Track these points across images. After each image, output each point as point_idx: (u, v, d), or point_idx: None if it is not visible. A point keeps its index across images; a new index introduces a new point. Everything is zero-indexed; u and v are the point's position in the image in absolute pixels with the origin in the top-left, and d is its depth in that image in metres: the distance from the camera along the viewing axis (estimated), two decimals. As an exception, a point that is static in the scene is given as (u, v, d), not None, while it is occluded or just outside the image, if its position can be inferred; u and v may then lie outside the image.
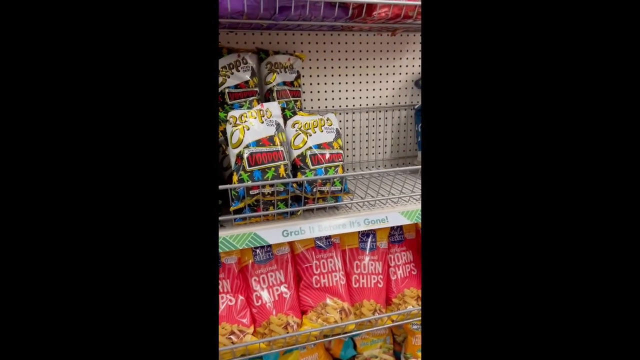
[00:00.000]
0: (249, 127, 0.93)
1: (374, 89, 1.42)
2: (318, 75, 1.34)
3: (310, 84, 1.34)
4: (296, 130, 1.00)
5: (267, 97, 1.18)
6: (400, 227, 1.29)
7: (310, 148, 0.99)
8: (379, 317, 1.12)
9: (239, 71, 1.11)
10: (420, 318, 1.21)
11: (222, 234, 0.89)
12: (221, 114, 1.04)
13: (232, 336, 1.01)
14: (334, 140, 1.01)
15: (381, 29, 1.27)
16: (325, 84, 1.36)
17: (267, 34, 1.25)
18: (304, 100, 1.34)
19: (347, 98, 1.40)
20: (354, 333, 1.15)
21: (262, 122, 0.94)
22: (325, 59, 1.33)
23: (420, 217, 1.03)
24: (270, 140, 0.93)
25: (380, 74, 1.41)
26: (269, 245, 1.12)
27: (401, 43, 1.40)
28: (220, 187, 0.84)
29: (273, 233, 0.92)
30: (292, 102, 1.17)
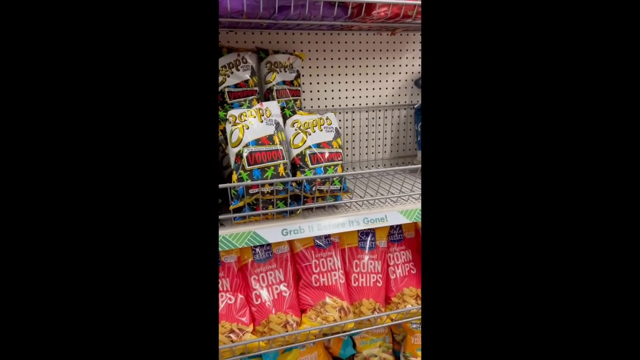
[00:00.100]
0: (248, 126, 0.93)
1: (373, 89, 1.42)
2: (318, 75, 1.34)
3: (310, 83, 1.34)
4: (295, 130, 1.00)
5: (266, 96, 1.18)
6: (400, 226, 1.29)
7: (310, 147, 0.99)
8: (378, 315, 1.12)
9: (238, 70, 1.12)
10: (419, 317, 1.21)
11: (222, 232, 0.89)
12: (221, 113, 1.04)
13: (231, 335, 1.01)
14: (334, 140, 1.02)
15: (381, 28, 1.27)
16: (325, 83, 1.36)
17: (267, 34, 1.25)
18: (304, 99, 1.34)
19: (346, 97, 1.40)
20: (353, 332, 1.15)
21: (262, 121, 0.94)
22: (324, 59, 1.33)
23: (419, 216, 1.03)
24: (270, 139, 0.93)
25: (380, 74, 1.41)
26: (269, 244, 1.12)
27: (401, 42, 1.40)
28: (220, 186, 0.84)
29: (272, 232, 0.92)
30: (292, 101, 1.17)
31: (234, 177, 0.91)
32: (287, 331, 1.04)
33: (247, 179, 0.90)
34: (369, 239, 1.20)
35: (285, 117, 1.03)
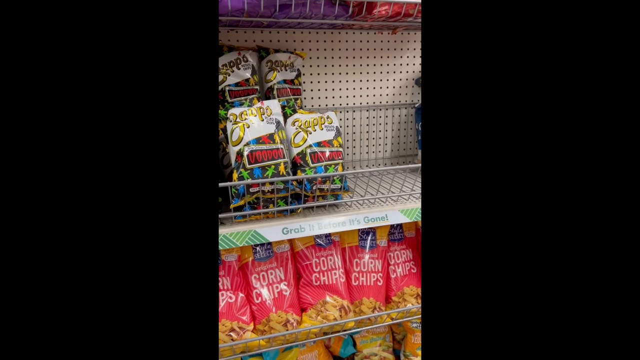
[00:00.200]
0: (249, 124, 0.93)
1: (374, 87, 1.42)
2: (318, 74, 1.34)
3: (311, 82, 1.34)
4: (296, 128, 1.00)
5: (267, 95, 1.18)
6: (400, 226, 1.29)
7: (310, 146, 0.99)
8: (379, 314, 1.13)
9: (239, 69, 1.11)
10: (419, 316, 1.21)
11: (222, 231, 0.89)
12: (221, 112, 1.04)
13: (232, 333, 1.01)
14: (334, 138, 1.02)
15: (382, 27, 1.26)
16: (326, 82, 1.36)
17: (268, 32, 1.25)
18: (304, 98, 1.34)
19: (347, 96, 1.40)
20: (353, 331, 1.15)
21: (262, 120, 0.94)
22: (325, 57, 1.33)
23: (420, 215, 1.03)
24: (271, 138, 0.93)
25: (381, 72, 1.41)
26: (269, 243, 1.12)
27: (402, 41, 1.40)
28: (221, 184, 0.84)
29: (273, 231, 0.92)
30: (293, 100, 1.17)
31: (235, 175, 0.91)
32: (287, 330, 1.04)
33: (247, 178, 0.90)
34: (369, 238, 1.20)
35: (286, 116, 1.03)
